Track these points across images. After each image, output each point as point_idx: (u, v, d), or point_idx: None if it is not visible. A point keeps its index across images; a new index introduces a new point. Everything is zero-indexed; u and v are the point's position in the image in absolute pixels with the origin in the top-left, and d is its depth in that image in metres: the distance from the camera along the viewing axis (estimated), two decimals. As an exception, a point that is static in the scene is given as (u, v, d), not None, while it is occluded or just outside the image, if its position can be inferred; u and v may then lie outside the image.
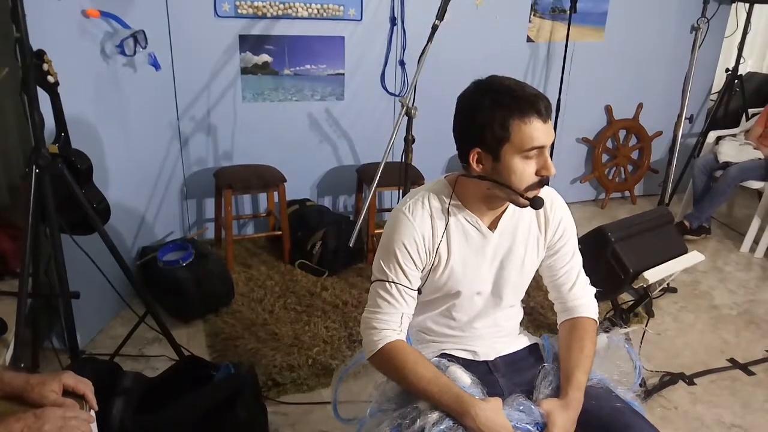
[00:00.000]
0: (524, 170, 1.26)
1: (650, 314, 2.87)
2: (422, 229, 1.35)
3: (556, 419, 1.29)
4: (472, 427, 1.23)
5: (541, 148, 1.25)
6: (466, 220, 1.39)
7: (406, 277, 1.36)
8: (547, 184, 1.34)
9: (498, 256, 1.43)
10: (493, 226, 1.41)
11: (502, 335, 1.54)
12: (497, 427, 1.23)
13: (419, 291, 1.41)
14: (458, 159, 1.37)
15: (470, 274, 1.42)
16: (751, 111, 4.29)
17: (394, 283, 1.35)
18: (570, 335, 1.45)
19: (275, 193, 3.34)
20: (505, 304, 1.50)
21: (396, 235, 1.35)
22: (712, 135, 4.08)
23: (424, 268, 1.39)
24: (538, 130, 1.23)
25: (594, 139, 4.34)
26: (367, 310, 1.40)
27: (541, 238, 1.46)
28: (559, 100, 3.82)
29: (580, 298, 1.50)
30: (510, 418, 1.27)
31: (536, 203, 1.30)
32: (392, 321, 1.36)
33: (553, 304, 1.55)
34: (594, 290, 1.53)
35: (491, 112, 1.23)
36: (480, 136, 1.26)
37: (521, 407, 1.31)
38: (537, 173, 1.28)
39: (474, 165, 1.30)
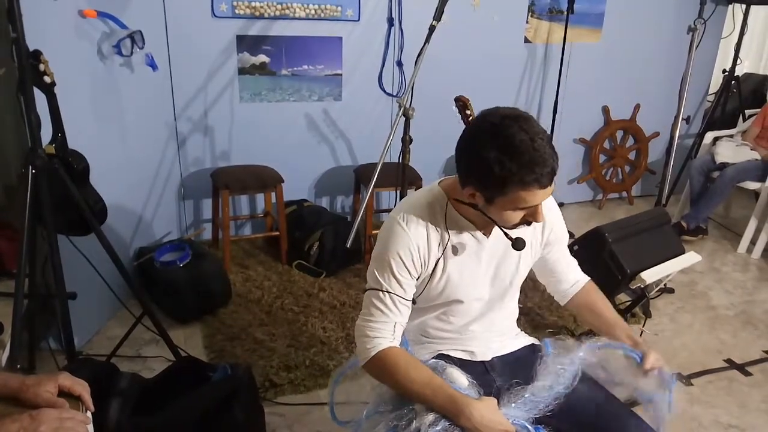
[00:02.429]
0: (513, 217, 1.28)
1: (647, 315, 2.88)
2: (417, 239, 1.35)
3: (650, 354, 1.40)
4: (468, 426, 1.23)
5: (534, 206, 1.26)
6: (461, 228, 1.39)
7: (401, 286, 1.36)
8: (530, 224, 1.35)
9: (493, 260, 1.44)
10: (488, 232, 1.41)
11: (498, 335, 1.54)
12: (493, 424, 1.24)
13: (414, 302, 1.41)
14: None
15: (467, 282, 1.42)
16: (747, 112, 4.30)
17: (388, 292, 1.35)
18: (586, 304, 1.59)
19: (273, 194, 3.34)
20: (502, 306, 1.51)
21: (391, 245, 1.35)
22: (709, 136, 4.09)
23: (419, 277, 1.39)
24: (535, 196, 1.22)
25: (591, 140, 4.35)
26: (360, 317, 1.40)
27: (537, 237, 1.47)
28: (556, 101, 3.83)
29: (574, 272, 1.61)
30: (506, 416, 1.27)
31: (517, 245, 1.32)
32: (385, 330, 1.36)
33: (551, 295, 1.62)
34: (576, 263, 1.63)
35: (494, 168, 1.19)
36: (478, 181, 1.25)
37: (519, 400, 1.31)
38: (524, 218, 1.29)
39: (468, 197, 1.30)
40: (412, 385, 1.29)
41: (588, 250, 2.17)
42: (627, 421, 1.34)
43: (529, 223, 1.32)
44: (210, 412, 1.72)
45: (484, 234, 1.40)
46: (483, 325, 1.50)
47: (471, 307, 1.47)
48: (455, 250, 1.39)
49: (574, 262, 1.62)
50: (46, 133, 1.92)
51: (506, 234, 1.32)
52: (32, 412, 1.06)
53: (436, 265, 1.38)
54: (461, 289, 1.42)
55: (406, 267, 1.35)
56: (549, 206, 1.47)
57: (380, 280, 1.36)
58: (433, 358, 1.45)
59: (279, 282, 3.13)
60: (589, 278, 1.63)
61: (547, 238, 1.50)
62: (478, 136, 1.24)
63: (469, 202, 1.30)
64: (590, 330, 1.59)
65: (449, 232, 1.37)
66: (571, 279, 1.60)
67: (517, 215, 1.28)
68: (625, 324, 1.53)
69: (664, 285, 2.95)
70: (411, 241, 1.34)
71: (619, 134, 4.40)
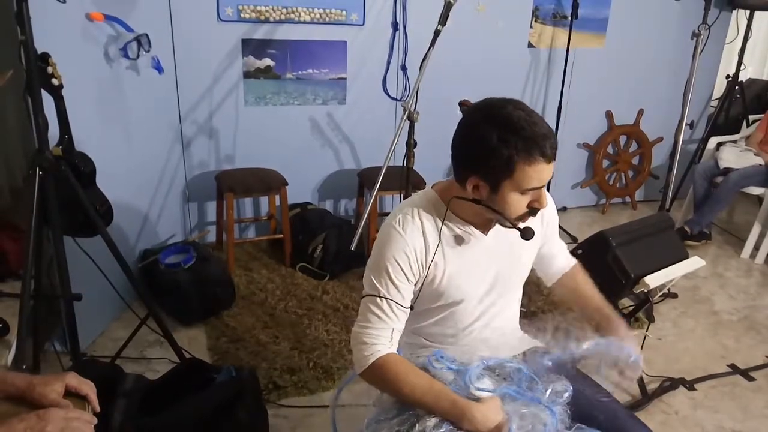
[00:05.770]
0: (519, 203, 1.29)
1: (651, 319, 2.88)
2: (413, 242, 1.34)
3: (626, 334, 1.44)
4: (471, 429, 1.23)
5: (540, 187, 1.27)
6: (458, 227, 1.39)
7: (398, 291, 1.35)
8: (535, 214, 1.35)
9: (495, 258, 1.44)
10: (486, 230, 1.41)
11: (501, 339, 1.54)
12: (496, 426, 1.23)
13: (411, 308, 1.40)
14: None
15: (469, 280, 1.42)
16: (751, 117, 4.29)
17: (385, 298, 1.34)
18: (571, 286, 1.64)
19: (277, 197, 3.35)
20: (505, 306, 1.51)
21: (387, 250, 1.35)
22: (713, 141, 4.09)
23: (417, 282, 1.38)
24: (541, 172, 1.23)
25: (595, 145, 4.35)
26: (357, 324, 1.39)
27: (538, 229, 1.47)
28: (560, 105, 3.83)
29: (563, 255, 1.65)
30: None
31: (526, 234, 1.32)
32: (383, 336, 1.35)
33: (554, 299, 1.61)
34: (565, 246, 1.67)
35: (497, 149, 1.21)
36: (482, 167, 1.26)
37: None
38: (530, 205, 1.30)
39: (470, 191, 1.31)
40: (413, 392, 1.28)
41: (592, 254, 2.16)
42: (627, 422, 1.35)
43: (534, 212, 1.32)
44: (213, 413, 1.73)
45: (482, 233, 1.40)
46: (485, 327, 1.50)
47: (472, 308, 1.46)
48: (453, 245, 1.38)
49: (563, 245, 1.66)
50: (53, 135, 1.93)
51: (514, 225, 1.32)
52: (39, 412, 1.07)
53: (435, 264, 1.37)
54: (462, 288, 1.41)
55: (403, 271, 1.34)
56: (547, 200, 1.47)
57: (377, 285, 1.35)
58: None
59: (282, 285, 3.13)
60: (576, 261, 1.67)
61: (545, 230, 1.54)
62: (475, 124, 1.27)
63: (473, 197, 1.31)
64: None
65: (445, 231, 1.38)
66: (560, 263, 1.65)
67: (523, 201, 1.28)
68: (608, 310, 1.55)
69: (668, 290, 2.95)
70: (407, 244, 1.34)
71: (622, 139, 4.40)
